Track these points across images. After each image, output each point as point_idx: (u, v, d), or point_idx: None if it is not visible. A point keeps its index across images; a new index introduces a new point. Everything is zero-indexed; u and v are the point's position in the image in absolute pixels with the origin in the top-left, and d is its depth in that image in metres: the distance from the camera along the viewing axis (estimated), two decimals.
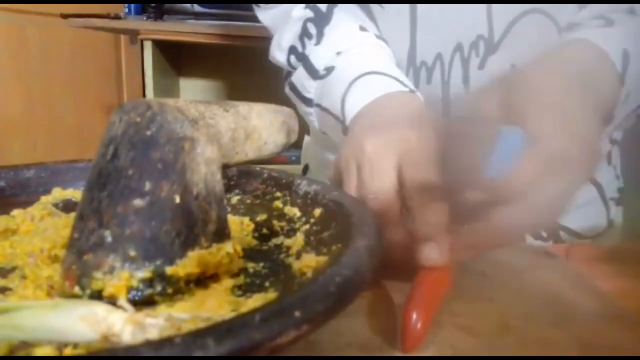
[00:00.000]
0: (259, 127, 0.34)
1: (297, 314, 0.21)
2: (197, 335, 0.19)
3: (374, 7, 0.58)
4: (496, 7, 0.55)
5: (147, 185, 0.27)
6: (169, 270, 0.27)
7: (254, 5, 0.62)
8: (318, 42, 0.55)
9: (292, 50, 0.57)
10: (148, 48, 1.69)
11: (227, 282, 0.29)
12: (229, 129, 0.31)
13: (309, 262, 0.29)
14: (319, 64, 0.54)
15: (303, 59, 0.56)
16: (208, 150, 0.29)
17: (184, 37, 1.66)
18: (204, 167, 0.29)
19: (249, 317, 0.20)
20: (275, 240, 0.35)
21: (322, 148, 0.72)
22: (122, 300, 0.25)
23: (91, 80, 1.67)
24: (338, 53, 0.53)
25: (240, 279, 0.30)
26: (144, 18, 1.73)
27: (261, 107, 0.35)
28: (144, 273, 0.26)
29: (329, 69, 0.53)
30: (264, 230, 0.36)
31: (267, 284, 0.30)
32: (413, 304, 0.31)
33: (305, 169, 0.79)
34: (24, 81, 1.46)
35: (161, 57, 1.77)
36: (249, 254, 0.33)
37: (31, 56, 1.49)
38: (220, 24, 1.63)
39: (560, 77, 0.40)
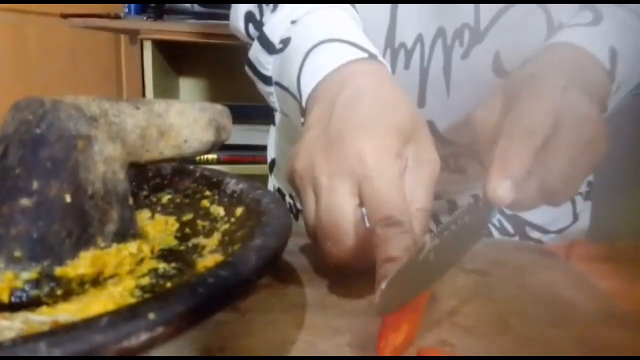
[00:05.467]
0: (178, 124, 0.33)
1: (151, 316, 0.20)
2: (29, 338, 0.18)
3: None
4: None
5: (35, 185, 0.26)
6: (58, 270, 0.26)
7: None
8: (275, 9, 0.49)
9: (249, 17, 0.52)
10: (148, 48, 1.70)
11: (129, 284, 0.28)
12: (138, 127, 0.31)
13: (208, 262, 0.28)
14: (274, 36, 0.48)
15: (260, 28, 0.50)
16: (109, 149, 0.28)
17: (184, 37, 1.66)
18: (103, 166, 0.28)
19: (95, 320, 0.19)
20: (194, 240, 0.34)
21: (288, 141, 0.68)
22: None
23: (91, 80, 1.68)
24: (293, 22, 0.47)
25: (145, 280, 0.29)
26: (144, 18, 1.74)
27: (184, 105, 0.35)
28: (30, 274, 0.26)
29: (285, 41, 0.47)
30: (187, 230, 0.35)
31: (169, 285, 0.29)
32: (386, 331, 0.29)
33: (272, 164, 0.74)
34: (23, 81, 1.47)
35: (161, 57, 1.78)
36: (166, 254, 0.33)
37: (31, 56, 1.50)
38: (220, 24, 1.63)
39: (558, 75, 0.41)
